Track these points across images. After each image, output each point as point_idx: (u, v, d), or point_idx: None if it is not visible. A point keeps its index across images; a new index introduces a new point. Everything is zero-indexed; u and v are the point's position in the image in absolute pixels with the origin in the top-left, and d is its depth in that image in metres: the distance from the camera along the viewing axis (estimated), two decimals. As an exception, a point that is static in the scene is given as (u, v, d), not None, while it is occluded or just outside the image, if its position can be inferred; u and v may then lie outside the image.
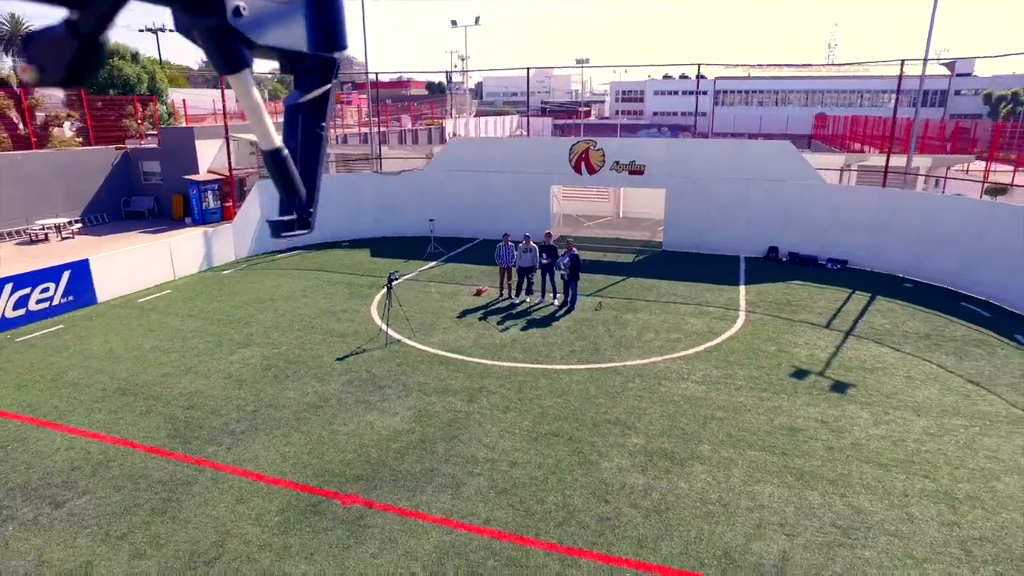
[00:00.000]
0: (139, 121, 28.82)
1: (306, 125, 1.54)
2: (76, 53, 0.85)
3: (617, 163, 20.38)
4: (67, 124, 27.52)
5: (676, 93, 72.65)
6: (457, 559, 7.02)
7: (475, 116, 69.26)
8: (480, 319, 14.62)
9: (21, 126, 25.09)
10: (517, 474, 8.58)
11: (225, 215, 22.84)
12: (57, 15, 0.87)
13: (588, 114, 75.97)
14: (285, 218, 1.50)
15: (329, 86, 1.52)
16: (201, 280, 18.05)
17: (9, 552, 7.19)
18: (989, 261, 16.02)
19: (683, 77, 73.90)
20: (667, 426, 9.82)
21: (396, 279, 13.07)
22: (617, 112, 78.17)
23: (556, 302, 15.45)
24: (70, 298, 15.27)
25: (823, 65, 52.74)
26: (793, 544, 7.28)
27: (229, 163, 20.18)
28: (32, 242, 20.88)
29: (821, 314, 15.05)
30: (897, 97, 19.49)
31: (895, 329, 14.08)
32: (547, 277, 15.55)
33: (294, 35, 1.30)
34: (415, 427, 9.82)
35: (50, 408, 10.52)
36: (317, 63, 1.45)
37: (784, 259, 19.64)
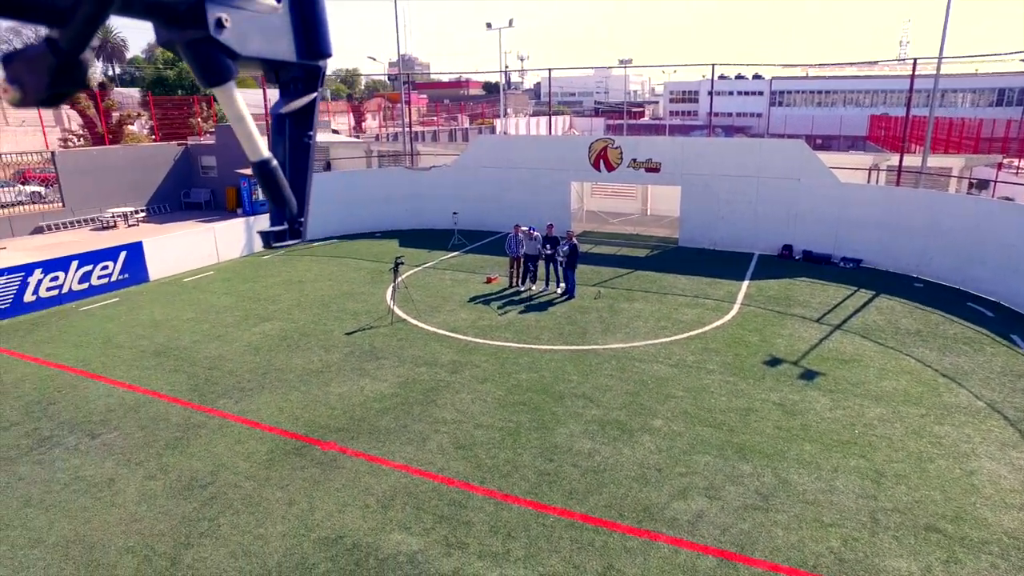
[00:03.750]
0: (199, 119, 31.30)
1: (293, 135, 1.51)
2: (56, 71, 0.82)
3: (634, 160, 21.08)
4: (139, 122, 30.21)
5: (731, 93, 71.60)
6: (407, 496, 8.15)
7: (531, 116, 70.61)
8: (484, 304, 15.73)
9: (98, 124, 27.83)
10: (478, 434, 9.64)
11: (275, 207, 24.75)
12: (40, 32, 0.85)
13: (641, 115, 75.98)
14: (275, 229, 1.50)
15: (315, 94, 1.49)
16: (241, 264, 19.87)
17: (55, 468, 8.82)
18: (992, 260, 15.97)
19: (739, 77, 72.77)
20: (627, 401, 10.66)
21: (402, 263, 14.31)
22: (671, 113, 77.67)
23: (559, 291, 16.37)
24: (126, 275, 17.27)
25: (887, 62, 51.15)
26: (712, 505, 8.03)
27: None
28: (103, 228, 23.36)
29: (816, 309, 15.41)
30: (909, 97, 19.40)
31: (887, 326, 14.33)
32: (550, 267, 16.47)
33: (278, 44, 1.28)
34: (399, 391, 11.03)
35: (98, 364, 12.29)
36: (303, 71, 1.44)
37: (797, 257, 19.87)
